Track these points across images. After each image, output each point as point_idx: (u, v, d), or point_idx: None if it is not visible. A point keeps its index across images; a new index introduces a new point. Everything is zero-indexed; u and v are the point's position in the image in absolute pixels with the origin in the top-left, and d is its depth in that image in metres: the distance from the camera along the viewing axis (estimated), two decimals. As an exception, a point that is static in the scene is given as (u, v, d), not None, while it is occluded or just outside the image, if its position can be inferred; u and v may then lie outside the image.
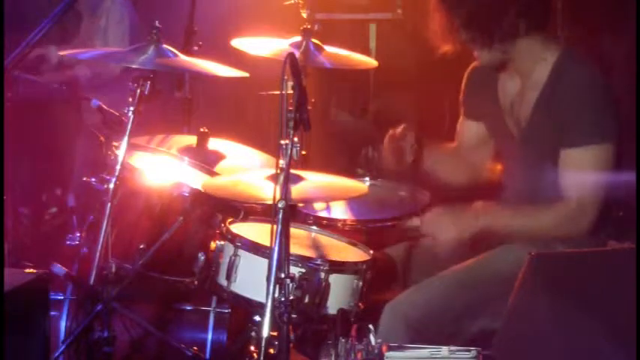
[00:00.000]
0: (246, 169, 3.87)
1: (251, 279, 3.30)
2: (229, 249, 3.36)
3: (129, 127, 3.41)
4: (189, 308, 3.67)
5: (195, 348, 3.51)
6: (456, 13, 3.35)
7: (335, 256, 3.43)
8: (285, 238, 2.79)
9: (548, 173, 3.37)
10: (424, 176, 3.73)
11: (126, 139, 3.41)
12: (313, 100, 3.99)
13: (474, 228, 3.40)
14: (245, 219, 3.60)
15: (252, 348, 3.23)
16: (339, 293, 3.31)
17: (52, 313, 3.42)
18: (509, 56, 3.41)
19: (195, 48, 4.89)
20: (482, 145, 3.71)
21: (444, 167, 3.75)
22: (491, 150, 3.71)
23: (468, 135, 3.72)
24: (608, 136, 3.34)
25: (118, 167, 3.40)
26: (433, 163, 3.72)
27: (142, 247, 3.49)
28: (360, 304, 3.37)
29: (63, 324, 3.57)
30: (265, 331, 2.75)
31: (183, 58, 3.60)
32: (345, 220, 3.82)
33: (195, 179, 3.63)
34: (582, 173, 3.33)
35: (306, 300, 3.24)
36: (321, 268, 3.28)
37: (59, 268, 3.36)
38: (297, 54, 3.85)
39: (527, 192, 3.48)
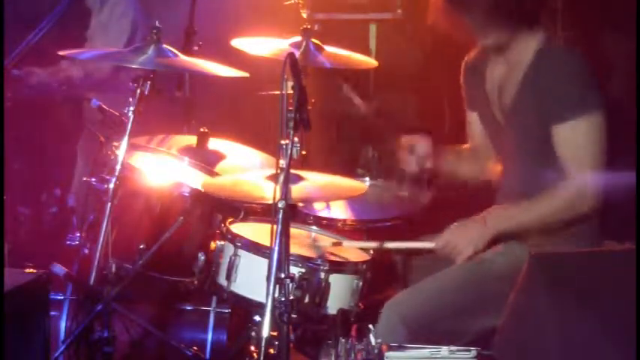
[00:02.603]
0: (246, 169, 3.87)
1: (251, 279, 3.31)
2: (229, 249, 3.36)
3: (129, 127, 3.42)
4: (189, 308, 3.67)
5: (195, 348, 3.51)
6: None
7: (335, 256, 3.43)
8: (285, 238, 2.80)
9: (537, 159, 3.38)
10: (440, 179, 3.75)
11: (126, 139, 3.42)
12: (313, 100, 3.98)
13: (487, 237, 3.41)
14: (245, 219, 3.60)
15: (252, 348, 3.23)
16: (339, 293, 3.31)
17: (52, 313, 3.42)
18: (511, 41, 3.43)
19: (195, 48, 4.88)
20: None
21: (461, 168, 3.75)
22: None
23: (475, 127, 3.72)
24: (595, 106, 3.34)
25: (118, 167, 3.40)
26: (450, 165, 3.72)
27: (142, 247, 3.50)
28: (360, 304, 3.37)
29: (63, 324, 3.57)
30: (265, 331, 2.75)
31: (183, 58, 3.60)
32: (345, 220, 3.82)
33: (195, 179, 3.63)
34: (577, 147, 3.34)
35: (306, 300, 3.24)
36: (321, 268, 3.28)
37: (59, 268, 3.37)
38: (297, 54, 3.84)
39: (519, 181, 3.48)
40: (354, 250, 3.54)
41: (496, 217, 3.43)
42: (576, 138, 3.34)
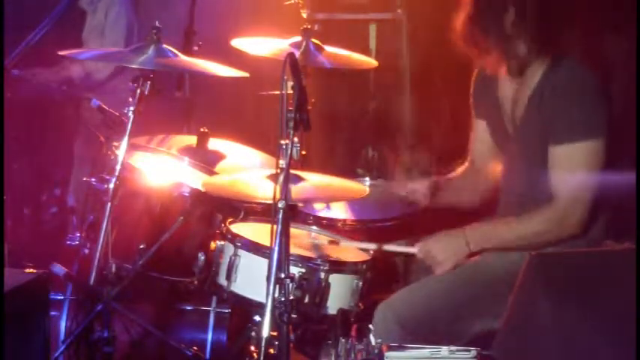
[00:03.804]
0: (246, 169, 3.88)
1: (251, 279, 3.31)
2: (229, 249, 3.36)
3: (129, 127, 3.42)
4: (189, 308, 3.67)
5: (195, 348, 3.51)
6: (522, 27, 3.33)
7: (335, 256, 3.43)
8: (285, 238, 2.80)
9: (544, 173, 3.36)
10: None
11: (126, 139, 3.42)
12: (313, 100, 3.98)
13: (467, 253, 3.39)
14: (245, 219, 3.60)
15: (252, 348, 3.23)
16: (339, 293, 3.31)
17: (52, 313, 3.42)
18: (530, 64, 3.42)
19: (195, 48, 4.89)
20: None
21: (459, 198, 3.70)
22: None
23: (480, 135, 3.71)
24: (597, 132, 3.29)
25: (118, 167, 3.40)
26: (447, 199, 3.69)
27: (142, 247, 3.50)
28: (360, 304, 3.37)
29: (63, 324, 3.57)
30: (265, 331, 2.75)
31: (183, 58, 3.60)
32: (345, 220, 3.82)
33: (195, 179, 3.63)
34: (571, 170, 3.30)
35: (306, 300, 3.25)
36: (321, 268, 3.28)
37: (59, 268, 3.37)
38: (297, 54, 3.85)
39: (525, 193, 3.47)
40: (354, 250, 3.54)
41: (479, 235, 3.40)
42: (571, 161, 3.30)
